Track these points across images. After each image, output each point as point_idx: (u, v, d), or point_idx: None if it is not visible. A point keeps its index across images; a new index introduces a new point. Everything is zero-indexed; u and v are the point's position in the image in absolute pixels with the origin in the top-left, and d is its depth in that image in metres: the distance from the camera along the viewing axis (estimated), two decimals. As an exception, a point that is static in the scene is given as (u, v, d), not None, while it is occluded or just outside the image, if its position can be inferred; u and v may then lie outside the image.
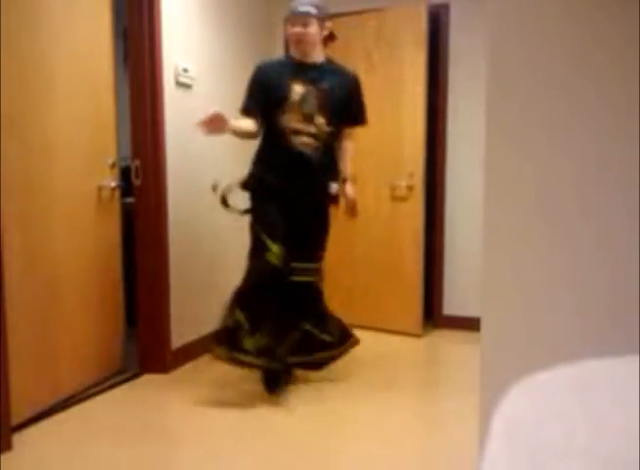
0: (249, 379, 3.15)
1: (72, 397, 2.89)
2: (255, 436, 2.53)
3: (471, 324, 3.86)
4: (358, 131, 3.23)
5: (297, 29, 2.90)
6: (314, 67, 2.98)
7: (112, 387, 3.07)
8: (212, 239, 3.74)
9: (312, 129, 2.92)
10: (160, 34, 3.18)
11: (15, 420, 2.45)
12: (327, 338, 3.10)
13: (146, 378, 3.23)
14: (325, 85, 2.95)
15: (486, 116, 1.57)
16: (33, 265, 2.64)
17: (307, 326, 3.07)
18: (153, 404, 2.89)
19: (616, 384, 0.67)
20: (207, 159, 3.68)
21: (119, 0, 3.17)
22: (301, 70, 2.95)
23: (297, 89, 2.91)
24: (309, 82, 2.92)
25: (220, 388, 3.07)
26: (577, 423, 0.58)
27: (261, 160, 3.01)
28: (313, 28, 2.91)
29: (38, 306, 2.67)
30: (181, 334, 3.42)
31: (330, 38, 3.03)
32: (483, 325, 1.62)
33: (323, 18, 2.95)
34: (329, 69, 3.02)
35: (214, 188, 3.70)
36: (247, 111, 2.95)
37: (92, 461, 2.29)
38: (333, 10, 4.14)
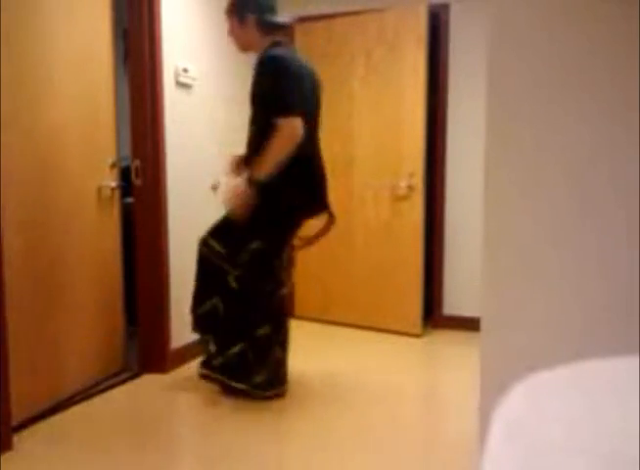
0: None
1: (72, 397, 2.89)
2: (255, 437, 2.53)
3: (471, 324, 3.86)
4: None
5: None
6: None
7: (112, 387, 3.07)
8: (212, 239, 3.73)
9: None
10: (160, 34, 3.18)
11: (15, 420, 2.45)
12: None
13: (146, 378, 3.23)
14: None
15: (486, 116, 1.57)
16: (33, 265, 2.64)
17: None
18: (152, 405, 2.89)
19: (616, 383, 0.67)
20: (208, 158, 3.68)
21: (119, 0, 3.18)
22: None
23: None
24: None
25: (220, 389, 3.06)
26: (578, 422, 0.58)
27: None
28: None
29: (38, 306, 2.68)
30: (181, 334, 3.42)
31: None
32: (483, 325, 1.62)
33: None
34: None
35: (214, 188, 3.70)
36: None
37: (92, 461, 2.29)
38: (333, 10, 4.18)
